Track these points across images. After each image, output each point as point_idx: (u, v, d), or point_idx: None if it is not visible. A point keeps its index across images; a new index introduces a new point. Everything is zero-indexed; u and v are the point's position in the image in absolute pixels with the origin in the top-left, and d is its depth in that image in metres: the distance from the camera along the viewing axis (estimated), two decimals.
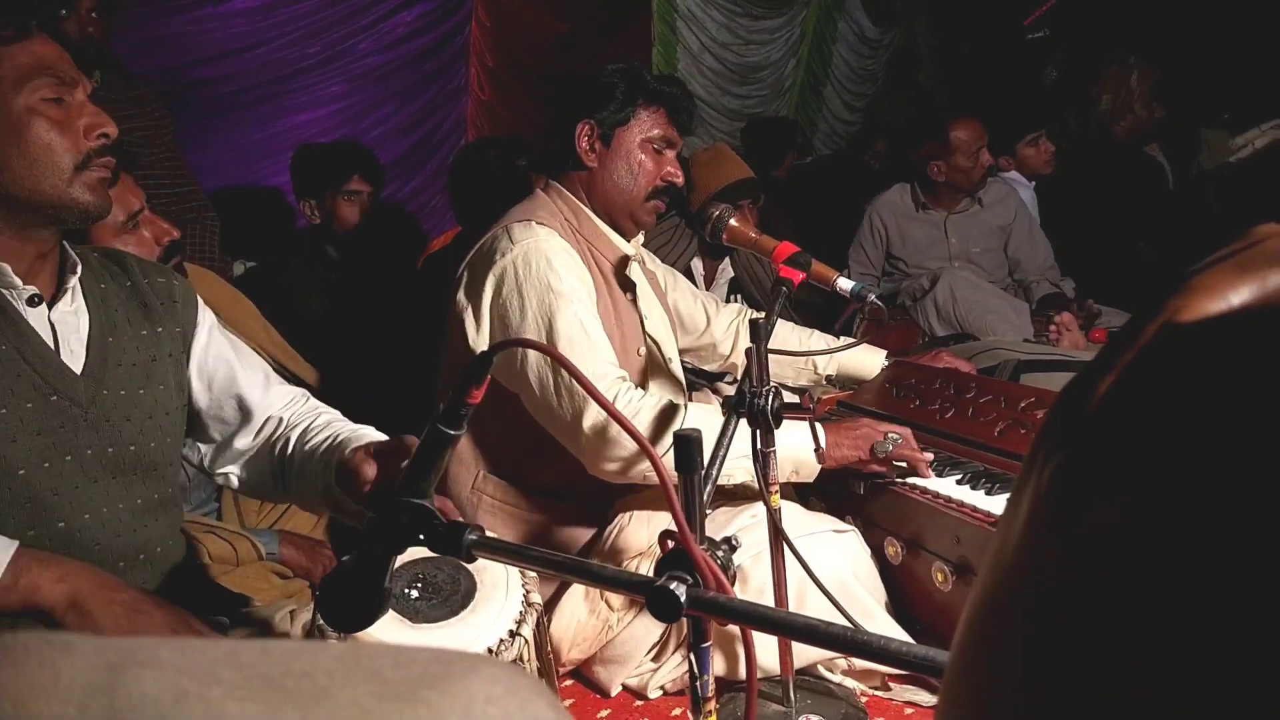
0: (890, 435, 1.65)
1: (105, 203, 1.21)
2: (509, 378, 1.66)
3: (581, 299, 1.64)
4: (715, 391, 2.34)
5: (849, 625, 0.87)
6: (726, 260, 3.30)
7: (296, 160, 2.94)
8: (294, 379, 2.12)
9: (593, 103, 1.79)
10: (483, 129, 4.29)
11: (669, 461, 1.04)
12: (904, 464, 1.70)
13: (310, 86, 3.67)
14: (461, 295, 1.72)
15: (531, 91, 4.26)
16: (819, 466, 1.62)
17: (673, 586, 0.84)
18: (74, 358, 1.22)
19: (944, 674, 0.40)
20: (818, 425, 1.61)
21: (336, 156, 2.90)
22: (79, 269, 1.25)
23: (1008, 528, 0.38)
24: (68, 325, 1.23)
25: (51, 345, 1.20)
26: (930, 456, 1.72)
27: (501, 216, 1.81)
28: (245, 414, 1.41)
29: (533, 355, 1.60)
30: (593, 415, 1.55)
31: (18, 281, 1.17)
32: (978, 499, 1.59)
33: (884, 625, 1.53)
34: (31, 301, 1.19)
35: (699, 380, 2.37)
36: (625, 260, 1.83)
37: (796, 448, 1.60)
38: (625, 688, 1.61)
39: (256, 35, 3.44)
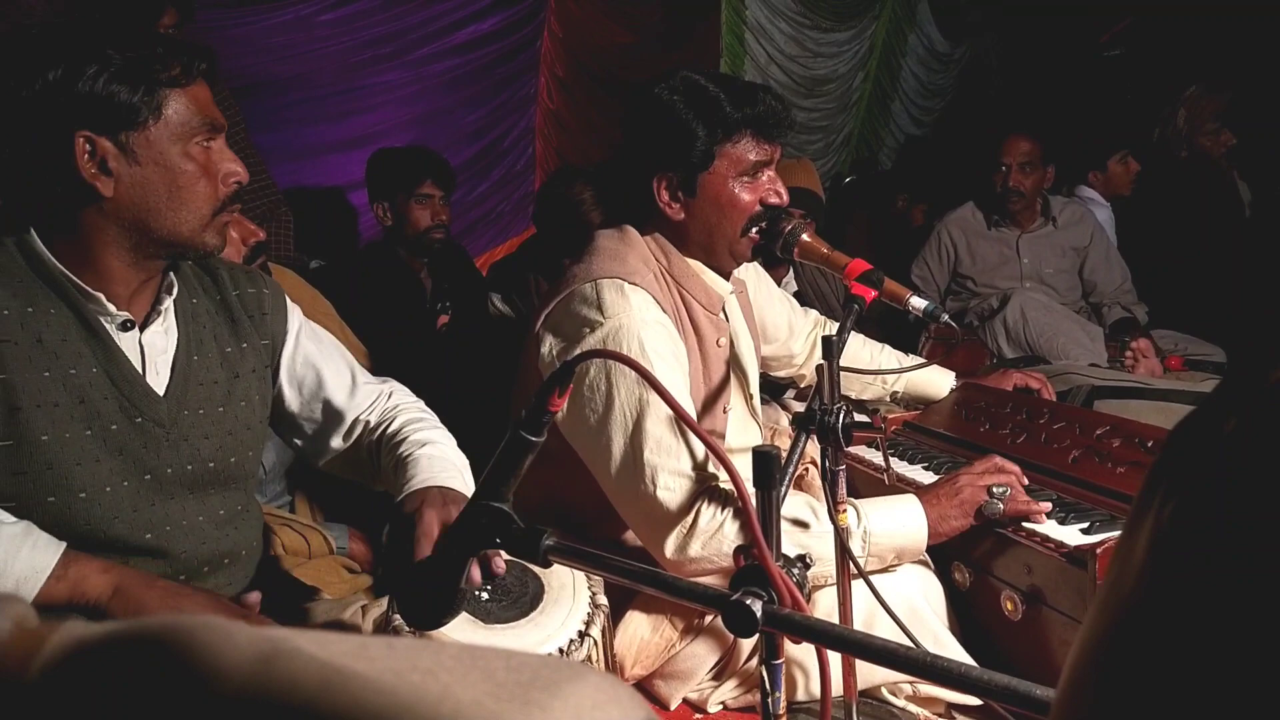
0: (995, 490, 1.55)
1: (225, 244, 1.28)
2: (578, 439, 1.57)
3: (674, 384, 1.52)
4: (784, 408, 2.33)
5: (925, 649, 0.86)
6: (791, 274, 3.28)
7: (371, 164, 3.02)
8: None
9: (668, 155, 1.59)
10: (549, 137, 4.35)
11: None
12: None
13: (382, 88, 3.75)
14: (546, 355, 1.59)
15: (599, 102, 4.30)
16: (924, 547, 1.55)
17: (749, 602, 0.84)
18: (158, 378, 1.26)
19: (1052, 710, 0.40)
20: (917, 501, 1.55)
21: (410, 161, 2.98)
22: (175, 290, 1.29)
23: (1123, 565, 0.37)
24: (155, 347, 1.27)
25: (139, 367, 1.25)
26: (1047, 506, 1.58)
27: (588, 249, 1.68)
28: (336, 416, 1.45)
29: (617, 443, 1.50)
30: (673, 515, 1.45)
31: (112, 309, 1.21)
32: (1050, 528, 1.55)
33: (953, 652, 1.50)
34: (124, 326, 1.23)
35: (767, 395, 2.36)
36: (719, 299, 1.70)
37: (903, 536, 1.52)
38: (686, 701, 1.61)
39: (334, 39, 3.54)
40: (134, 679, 0.30)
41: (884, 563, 1.54)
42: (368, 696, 0.32)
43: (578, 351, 1.48)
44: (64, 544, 1.12)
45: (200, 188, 1.20)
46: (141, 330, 1.26)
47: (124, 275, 1.22)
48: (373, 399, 1.48)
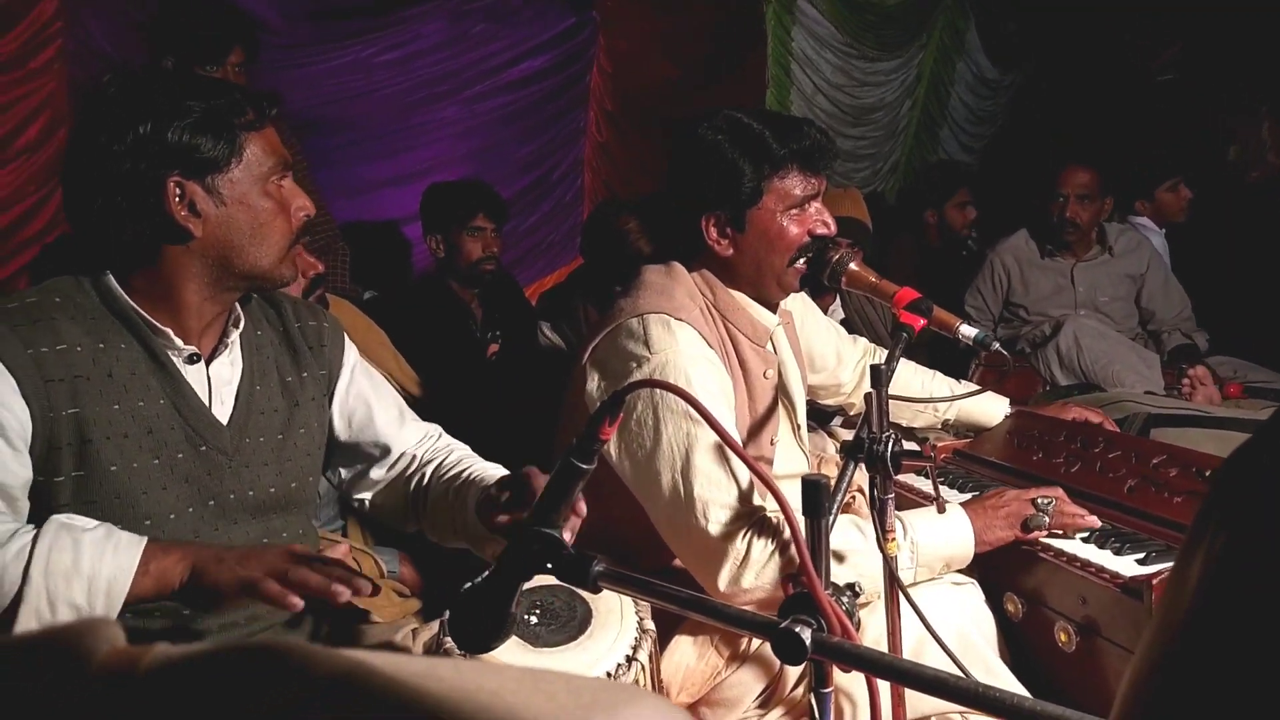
0: (1040, 502, 1.56)
1: (297, 275, 1.35)
2: (628, 474, 1.58)
3: (720, 420, 1.54)
4: (830, 435, 2.32)
5: (975, 680, 0.86)
6: (837, 302, 3.27)
7: (426, 198, 3.10)
8: (421, 407, 2.22)
9: (716, 194, 1.61)
10: (598, 170, 4.41)
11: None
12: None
13: (437, 124, 3.84)
14: (592, 390, 1.61)
15: (647, 134, 4.36)
16: (972, 557, 1.55)
17: (798, 629, 0.85)
18: (223, 408, 1.32)
19: None
20: (962, 510, 1.56)
21: (463, 195, 3.05)
22: (241, 323, 1.35)
23: (1175, 595, 0.38)
24: (221, 378, 1.33)
25: (205, 398, 1.30)
26: (1095, 521, 1.60)
27: (634, 283, 1.69)
28: (381, 449, 1.51)
29: (666, 478, 1.50)
30: (724, 545, 1.45)
31: (179, 343, 1.27)
32: (1105, 559, 1.53)
33: (1005, 682, 1.48)
34: (190, 360, 1.29)
35: (814, 423, 2.36)
36: (766, 332, 1.71)
37: (949, 545, 1.53)
38: None
39: (392, 79, 3.64)
40: (233, 685, 0.32)
41: (933, 573, 1.54)
42: (440, 716, 0.34)
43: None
44: (144, 539, 1.15)
45: (279, 223, 1.28)
46: (209, 362, 1.31)
47: (200, 309, 1.28)
48: (420, 436, 1.54)
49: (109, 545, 1.13)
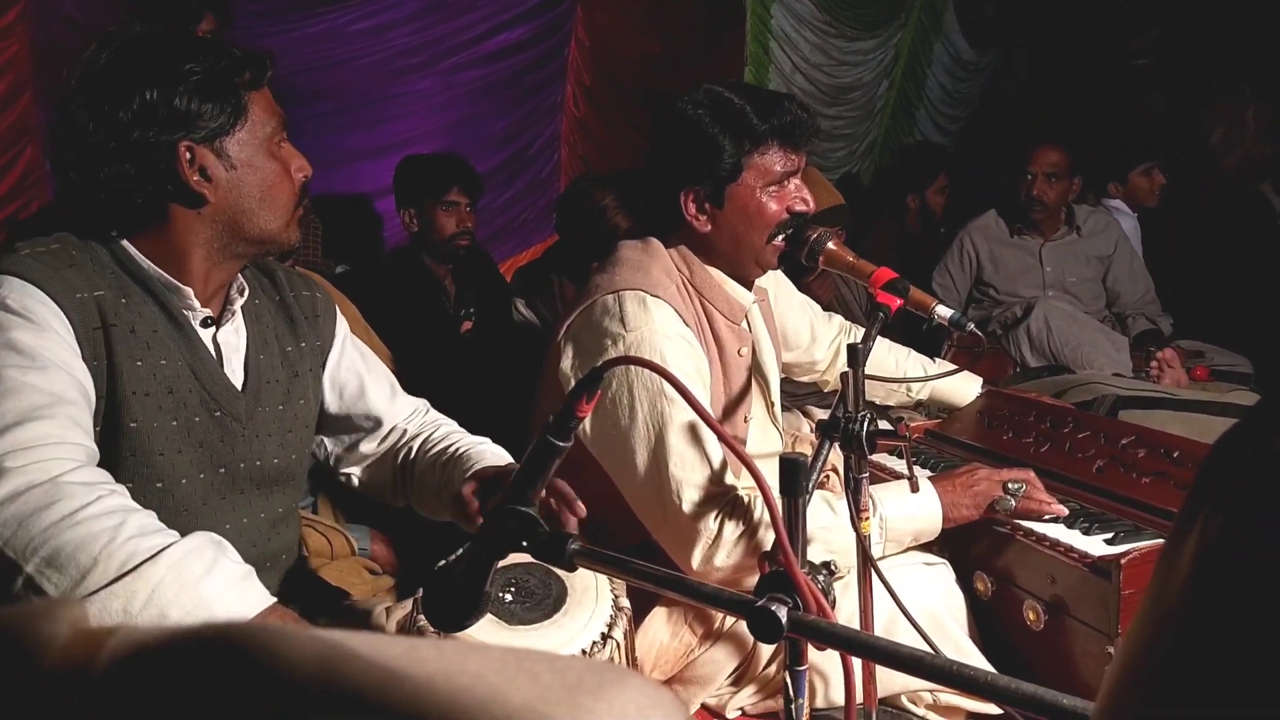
0: (1010, 486, 1.57)
1: (299, 238, 1.33)
2: (603, 452, 1.58)
3: (697, 396, 1.51)
4: (805, 415, 2.33)
5: (951, 658, 0.86)
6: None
7: (399, 171, 3.06)
8: None
9: (696, 169, 1.60)
10: (575, 145, 4.37)
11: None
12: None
13: (412, 96, 3.77)
14: (566, 368, 1.61)
15: (625, 110, 4.32)
16: (939, 532, 1.57)
17: (774, 608, 0.85)
18: (235, 376, 1.30)
19: (1095, 714, 0.40)
20: (931, 486, 1.57)
21: (438, 168, 3.00)
22: (245, 291, 1.33)
23: (1166, 577, 0.38)
24: (230, 345, 1.31)
25: (218, 363, 1.28)
26: (1064, 510, 1.60)
27: (611, 259, 1.69)
28: (373, 423, 1.49)
29: (641, 457, 1.50)
30: (696, 520, 1.46)
31: (197, 304, 1.25)
32: (1074, 538, 1.55)
33: (975, 660, 1.50)
34: (205, 323, 1.28)
35: (789, 403, 2.36)
36: (741, 310, 1.71)
37: (917, 520, 1.55)
38: (704, 707, 1.61)
39: (366, 48, 3.57)
40: (203, 672, 0.31)
41: (901, 546, 1.56)
42: (421, 699, 0.33)
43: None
44: (274, 600, 1.09)
45: (285, 185, 1.26)
46: (218, 328, 1.29)
47: (207, 276, 1.26)
48: (410, 411, 1.52)
49: (241, 582, 1.05)
